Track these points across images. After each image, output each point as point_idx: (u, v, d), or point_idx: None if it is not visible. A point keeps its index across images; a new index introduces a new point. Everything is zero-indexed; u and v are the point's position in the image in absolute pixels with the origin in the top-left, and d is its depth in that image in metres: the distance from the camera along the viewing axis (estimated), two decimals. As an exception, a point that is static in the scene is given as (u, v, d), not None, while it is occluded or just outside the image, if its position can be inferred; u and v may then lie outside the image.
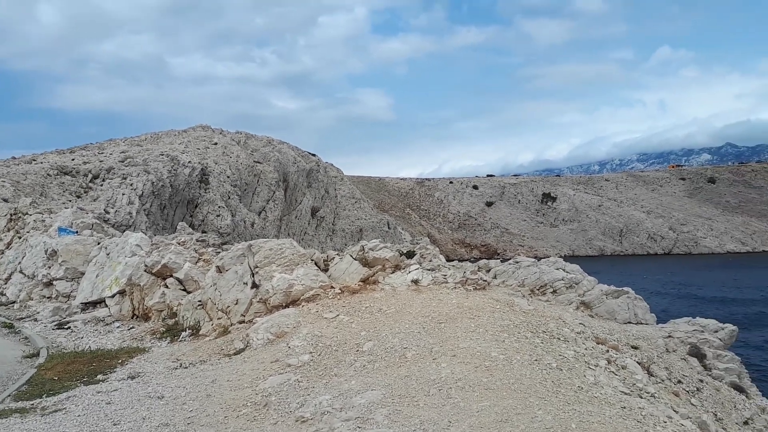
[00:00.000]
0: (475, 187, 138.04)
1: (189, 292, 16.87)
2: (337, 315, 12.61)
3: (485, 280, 16.34)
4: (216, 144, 78.61)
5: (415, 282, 15.04)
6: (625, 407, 8.55)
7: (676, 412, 11.73)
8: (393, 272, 15.94)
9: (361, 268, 15.48)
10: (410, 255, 17.50)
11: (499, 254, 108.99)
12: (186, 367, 11.75)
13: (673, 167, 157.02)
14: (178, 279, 17.37)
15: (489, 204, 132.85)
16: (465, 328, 11.44)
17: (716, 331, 16.13)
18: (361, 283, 14.81)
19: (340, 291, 14.10)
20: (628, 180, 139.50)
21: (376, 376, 9.49)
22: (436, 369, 9.42)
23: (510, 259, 20.08)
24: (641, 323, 16.64)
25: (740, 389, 14.88)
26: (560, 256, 22.12)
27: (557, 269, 17.48)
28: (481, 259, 21.58)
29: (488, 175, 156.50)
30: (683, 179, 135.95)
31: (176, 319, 16.00)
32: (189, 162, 67.18)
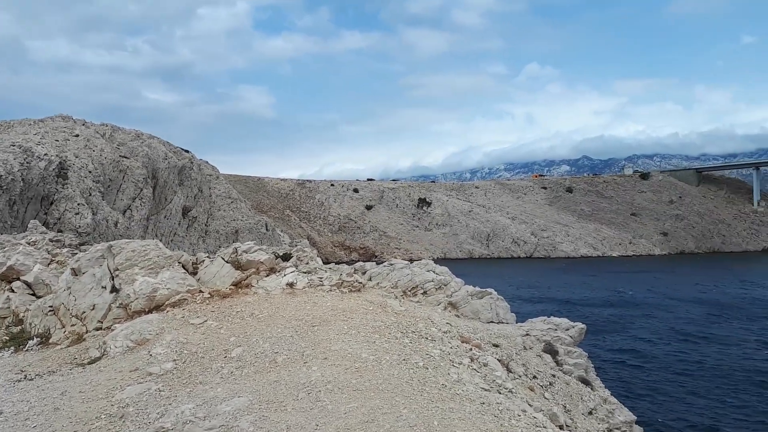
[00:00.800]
0: (356, 191, 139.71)
1: (39, 297, 15.41)
2: (205, 320, 12.14)
3: (360, 283, 16.56)
4: (77, 136, 72.45)
5: (291, 285, 14.88)
6: (484, 403, 9.04)
7: (531, 405, 12.62)
8: (268, 275, 15.66)
9: (234, 271, 15.04)
10: (286, 257, 17.29)
11: (377, 257, 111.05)
12: (31, 379, 10.71)
13: (536, 177, 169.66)
14: (26, 282, 15.79)
15: (369, 207, 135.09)
16: (338, 330, 11.51)
17: (568, 329, 17.60)
18: (232, 287, 14.39)
19: (209, 295, 13.59)
20: (495, 188, 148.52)
21: (244, 382, 9.25)
22: (306, 373, 9.38)
23: (386, 261, 20.52)
24: (503, 322, 17.74)
25: (586, 382, 16.35)
26: (433, 259, 22.98)
27: (428, 271, 18.14)
28: (359, 261, 21.82)
29: (369, 179, 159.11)
30: (545, 188, 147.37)
31: (22, 326, 14.53)
32: (45, 154, 61.32)
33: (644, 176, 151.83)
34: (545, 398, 14.21)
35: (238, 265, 15.17)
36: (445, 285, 17.76)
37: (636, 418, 15.95)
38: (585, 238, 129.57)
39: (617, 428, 15.48)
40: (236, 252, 15.43)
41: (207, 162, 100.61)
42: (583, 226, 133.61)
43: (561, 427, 12.60)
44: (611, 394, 16.71)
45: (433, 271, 18.24)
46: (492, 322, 17.29)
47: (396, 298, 16.41)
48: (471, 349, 13.57)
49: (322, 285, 15.14)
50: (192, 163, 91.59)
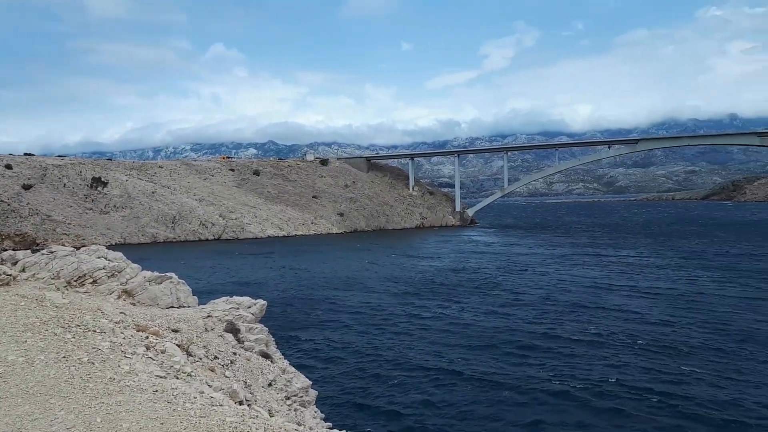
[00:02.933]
0: (9, 167, 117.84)
1: None
2: None
3: (9, 275, 14.16)
4: None
5: None
6: (157, 391, 8.69)
7: (210, 386, 12.61)
8: None
9: None
10: None
11: (38, 245, 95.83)
12: None
13: (224, 158, 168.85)
14: None
15: (27, 187, 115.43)
16: (-26, 333, 9.63)
17: (249, 307, 18.07)
18: None
19: None
20: (182, 168, 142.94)
21: None
22: (-75, 388, 7.61)
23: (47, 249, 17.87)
24: (183, 306, 17.27)
25: (267, 356, 17.09)
26: (111, 245, 21.00)
27: (99, 258, 16.49)
28: (15, 250, 18.53)
29: (26, 154, 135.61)
30: (233, 170, 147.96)
31: None
32: None
33: (324, 162, 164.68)
34: (226, 377, 14.38)
35: None
36: (120, 272, 16.40)
37: (311, 382, 17.34)
38: (272, 219, 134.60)
39: (294, 395, 16.60)
40: None
41: None
42: (270, 208, 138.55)
43: (240, 402, 12.93)
44: (290, 364, 17.81)
45: (105, 258, 16.64)
46: (172, 307, 16.67)
47: (58, 290, 14.51)
48: (147, 338, 12.87)
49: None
50: None
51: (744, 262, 66.53)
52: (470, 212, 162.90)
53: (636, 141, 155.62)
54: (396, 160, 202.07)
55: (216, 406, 9.02)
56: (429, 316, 41.67)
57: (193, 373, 12.50)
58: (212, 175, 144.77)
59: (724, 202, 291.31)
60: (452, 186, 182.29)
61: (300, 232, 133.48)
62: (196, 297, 18.00)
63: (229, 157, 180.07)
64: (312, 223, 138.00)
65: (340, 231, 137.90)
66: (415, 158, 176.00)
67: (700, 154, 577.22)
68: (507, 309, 43.76)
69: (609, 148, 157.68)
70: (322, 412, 17.12)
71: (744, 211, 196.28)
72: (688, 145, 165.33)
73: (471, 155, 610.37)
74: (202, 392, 10.28)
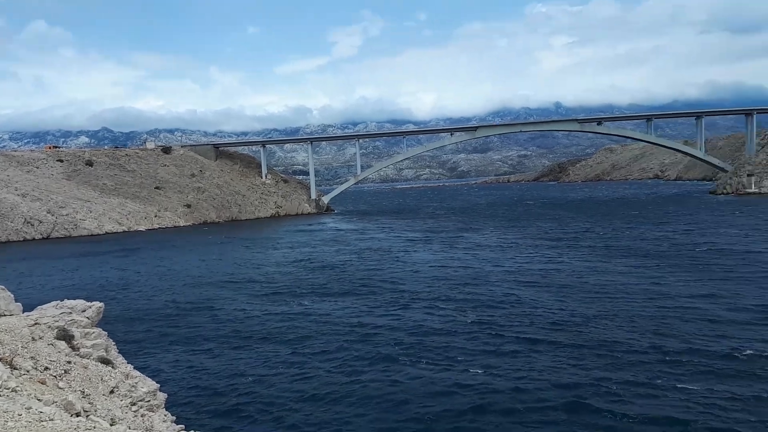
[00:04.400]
0: None
1: None
2: None
3: None
4: None
5: None
6: (-29, 413, 7.72)
7: (40, 400, 11.45)
8: None
9: None
10: None
11: None
12: None
13: (50, 148, 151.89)
14: None
15: None
16: None
17: (84, 311, 16.62)
18: None
19: None
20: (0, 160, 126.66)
21: None
22: None
23: None
24: (5, 315, 15.43)
25: (107, 362, 15.87)
26: None
27: None
28: None
29: None
30: (61, 161, 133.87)
31: None
32: None
33: (167, 150, 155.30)
34: (60, 388, 13.16)
35: None
36: None
37: (159, 385, 16.44)
38: (109, 214, 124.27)
39: (141, 399, 15.62)
40: None
41: None
42: (107, 201, 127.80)
43: (78, 414, 11.92)
44: (134, 369, 16.72)
45: None
46: (-11, 316, 14.81)
47: None
48: (-42, 354, 11.35)
49: None
50: None
51: (583, 237, 74.41)
52: (326, 199, 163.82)
53: (475, 128, 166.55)
54: (247, 147, 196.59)
55: (46, 421, 8.24)
56: (287, 310, 41.44)
57: (18, 388, 11.30)
58: (37, 167, 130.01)
59: (552, 183, 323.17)
60: (307, 173, 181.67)
61: (143, 227, 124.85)
62: (20, 304, 16.15)
63: (56, 147, 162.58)
64: (156, 217, 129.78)
65: (189, 223, 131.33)
66: (266, 145, 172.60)
67: (530, 139, 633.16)
68: (369, 301, 44.81)
69: (451, 135, 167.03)
70: (173, 414, 16.31)
71: (570, 191, 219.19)
72: (520, 131, 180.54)
73: (324, 142, 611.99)
74: (29, 408, 9.33)
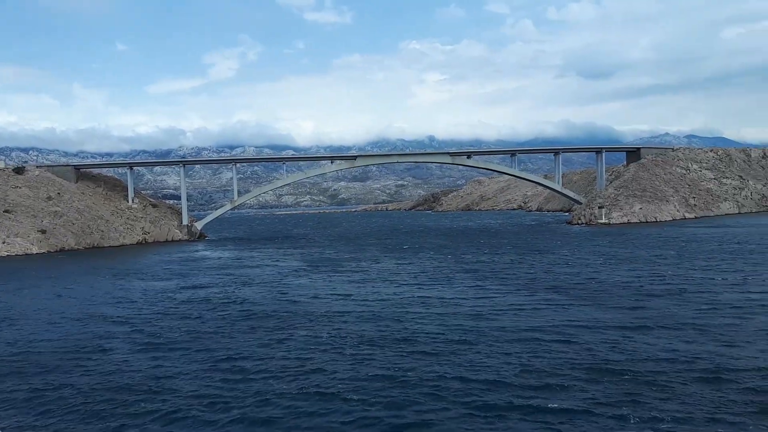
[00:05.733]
0: None
1: None
2: None
3: None
4: None
5: None
6: None
7: None
8: None
9: None
10: None
11: None
12: None
13: None
14: None
15: None
16: None
17: None
18: None
19: None
20: None
21: None
22: None
23: None
24: None
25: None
26: None
27: None
28: None
29: None
30: None
31: None
32: None
33: (19, 170, 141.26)
34: None
35: None
36: None
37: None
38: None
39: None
40: None
41: None
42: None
43: None
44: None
45: None
46: None
47: None
48: None
49: None
50: None
51: (466, 264, 77.20)
52: (199, 225, 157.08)
53: (354, 157, 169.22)
54: (112, 169, 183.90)
55: None
56: (147, 358, 38.85)
57: None
58: None
59: (427, 212, 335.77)
60: (178, 198, 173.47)
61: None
62: None
63: None
64: (4, 243, 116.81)
65: (43, 250, 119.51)
66: (134, 167, 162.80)
67: (407, 170, 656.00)
68: (241, 329, 43.27)
69: (332, 162, 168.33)
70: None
71: (445, 219, 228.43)
72: (398, 162, 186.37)
73: (198, 166, 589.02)
74: None
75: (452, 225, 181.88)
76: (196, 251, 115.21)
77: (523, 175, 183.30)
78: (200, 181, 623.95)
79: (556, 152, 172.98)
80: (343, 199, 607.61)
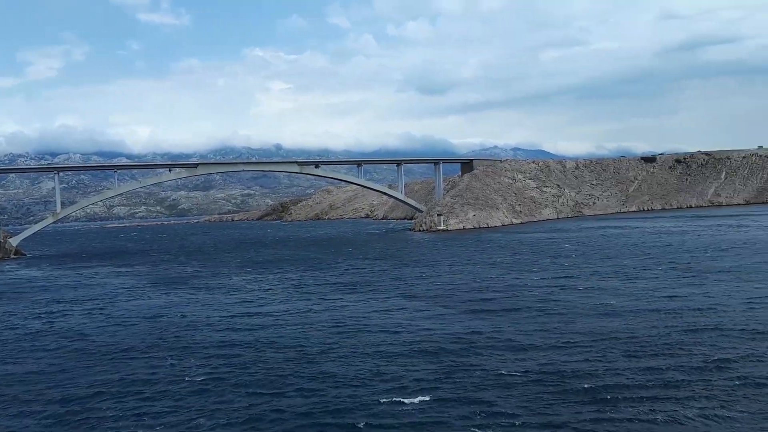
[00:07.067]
0: None
1: None
2: None
3: None
4: None
5: None
6: None
7: None
8: None
9: None
10: None
11: None
12: None
13: None
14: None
15: None
16: None
17: None
18: None
19: None
20: None
21: None
22: None
23: None
24: None
25: None
26: None
27: None
28: None
29: None
30: None
31: None
32: None
33: None
34: None
35: None
36: None
37: None
38: None
39: None
40: None
41: None
42: None
43: None
44: None
45: None
46: None
47: None
48: None
49: None
50: None
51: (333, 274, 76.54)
52: (14, 242, 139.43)
53: (195, 165, 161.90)
54: None
55: None
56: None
57: None
58: None
59: (276, 221, 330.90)
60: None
61: None
62: None
63: None
64: None
65: None
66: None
67: (254, 178, 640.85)
68: (66, 361, 39.22)
69: (170, 171, 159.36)
70: None
71: (296, 229, 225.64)
72: (243, 170, 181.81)
73: (13, 174, 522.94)
74: None
75: (306, 235, 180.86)
76: (11, 271, 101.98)
77: (370, 184, 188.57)
78: (16, 191, 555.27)
79: (399, 163, 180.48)
80: (183, 209, 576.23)
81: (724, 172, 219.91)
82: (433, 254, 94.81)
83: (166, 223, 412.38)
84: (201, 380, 30.92)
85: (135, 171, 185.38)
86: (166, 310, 53.50)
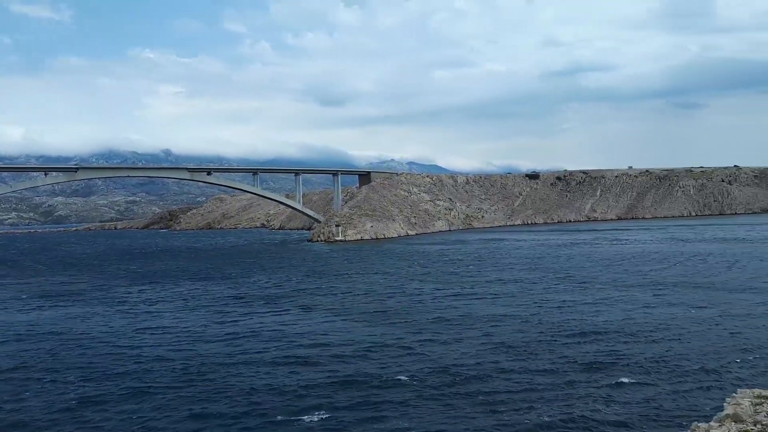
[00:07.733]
0: None
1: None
2: None
3: None
4: None
5: None
6: None
7: None
8: None
9: None
10: None
11: None
12: None
13: None
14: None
15: None
16: None
17: None
18: None
19: None
20: None
21: None
22: None
23: None
24: None
25: None
26: None
27: None
28: None
29: None
30: None
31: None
32: None
33: None
34: None
35: None
36: None
37: None
38: None
39: None
40: None
41: None
42: None
43: None
44: None
45: None
46: None
47: None
48: None
49: None
50: None
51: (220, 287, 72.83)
52: None
53: (75, 169, 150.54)
54: None
55: None
56: None
57: None
58: None
59: (164, 230, 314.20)
60: None
61: None
62: None
63: None
64: None
65: None
66: None
67: (140, 185, 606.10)
68: None
69: (46, 175, 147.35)
70: None
71: (185, 238, 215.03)
72: (128, 176, 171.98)
73: None
74: None
75: (197, 245, 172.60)
76: None
77: (266, 193, 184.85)
78: None
79: (297, 173, 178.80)
80: (60, 216, 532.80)
81: (599, 190, 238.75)
82: (331, 265, 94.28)
83: (40, 231, 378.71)
84: (75, 402, 28.29)
85: (5, 174, 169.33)
86: (38, 327, 48.73)
